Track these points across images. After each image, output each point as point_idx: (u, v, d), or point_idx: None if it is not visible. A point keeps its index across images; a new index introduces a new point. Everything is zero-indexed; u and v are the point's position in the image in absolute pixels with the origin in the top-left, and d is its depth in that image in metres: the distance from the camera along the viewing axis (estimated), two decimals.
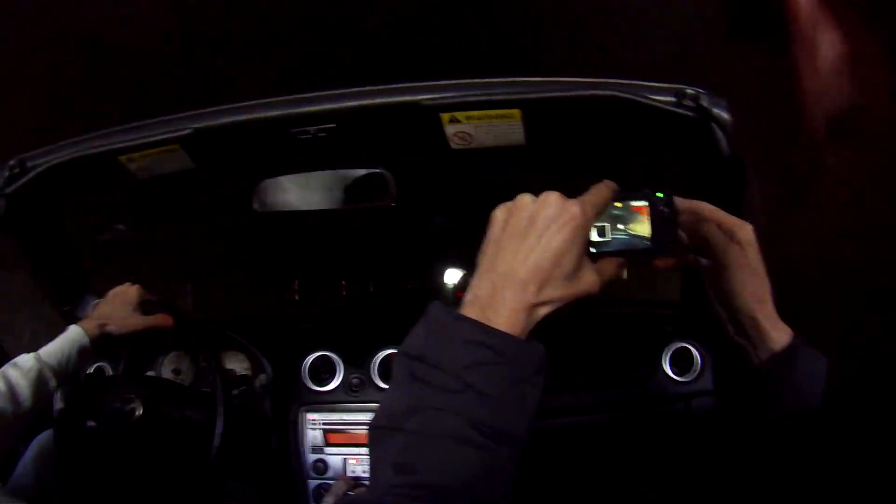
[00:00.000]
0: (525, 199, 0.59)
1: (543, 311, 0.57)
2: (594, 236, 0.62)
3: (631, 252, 0.62)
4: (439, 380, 0.53)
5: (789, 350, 0.66)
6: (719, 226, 0.69)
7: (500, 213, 0.60)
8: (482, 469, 0.52)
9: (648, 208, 0.63)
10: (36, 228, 1.20)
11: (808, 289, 0.69)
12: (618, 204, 0.63)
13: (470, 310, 0.57)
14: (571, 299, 0.59)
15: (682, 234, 0.72)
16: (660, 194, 0.63)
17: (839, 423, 0.58)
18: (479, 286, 0.58)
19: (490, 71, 0.89)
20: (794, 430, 0.64)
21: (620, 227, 0.63)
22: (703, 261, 0.72)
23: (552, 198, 0.59)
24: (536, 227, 0.58)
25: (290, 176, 1.16)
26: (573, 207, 0.58)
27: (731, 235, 0.68)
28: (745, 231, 0.68)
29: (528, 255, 0.57)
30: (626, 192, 0.63)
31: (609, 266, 0.62)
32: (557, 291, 0.57)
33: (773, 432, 0.66)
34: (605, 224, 0.63)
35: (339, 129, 0.97)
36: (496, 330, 0.55)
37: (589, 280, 0.60)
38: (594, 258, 0.61)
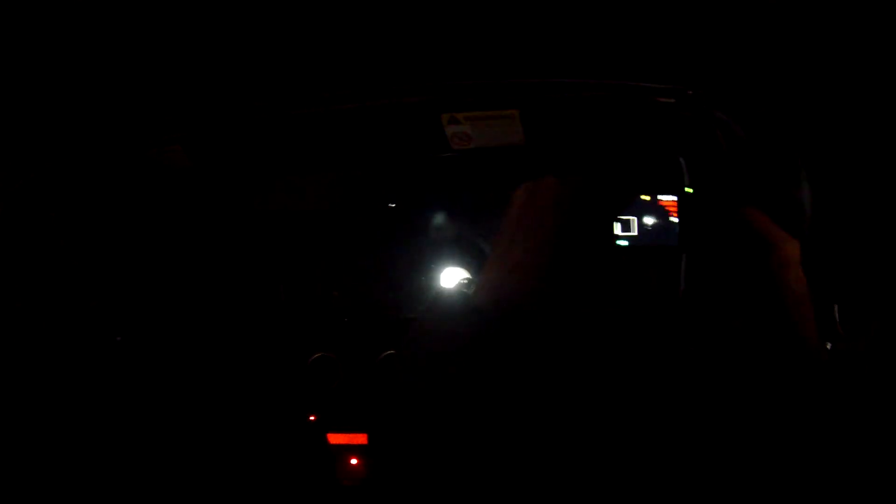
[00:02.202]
0: (549, 180, 0.55)
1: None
2: (618, 229, 0.59)
3: (656, 248, 0.59)
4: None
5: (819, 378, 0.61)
6: (762, 237, 0.60)
7: (522, 193, 0.56)
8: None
9: (677, 204, 0.59)
10: (36, 229, 1.20)
11: None
12: (645, 197, 0.59)
13: (482, 295, 0.55)
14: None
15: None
16: (689, 190, 0.59)
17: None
18: (493, 269, 0.55)
19: (490, 71, 0.89)
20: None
21: (647, 221, 0.59)
22: (744, 271, 0.66)
23: (576, 182, 0.54)
24: (558, 211, 0.54)
25: (289, 176, 1.16)
26: (598, 195, 0.54)
27: (771, 251, 0.58)
28: (790, 248, 0.57)
29: (546, 241, 0.53)
30: (655, 186, 0.59)
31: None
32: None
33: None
34: (631, 217, 0.60)
35: (339, 130, 0.97)
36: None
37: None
38: (617, 251, 0.58)
